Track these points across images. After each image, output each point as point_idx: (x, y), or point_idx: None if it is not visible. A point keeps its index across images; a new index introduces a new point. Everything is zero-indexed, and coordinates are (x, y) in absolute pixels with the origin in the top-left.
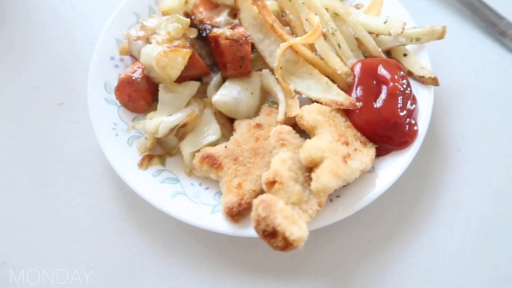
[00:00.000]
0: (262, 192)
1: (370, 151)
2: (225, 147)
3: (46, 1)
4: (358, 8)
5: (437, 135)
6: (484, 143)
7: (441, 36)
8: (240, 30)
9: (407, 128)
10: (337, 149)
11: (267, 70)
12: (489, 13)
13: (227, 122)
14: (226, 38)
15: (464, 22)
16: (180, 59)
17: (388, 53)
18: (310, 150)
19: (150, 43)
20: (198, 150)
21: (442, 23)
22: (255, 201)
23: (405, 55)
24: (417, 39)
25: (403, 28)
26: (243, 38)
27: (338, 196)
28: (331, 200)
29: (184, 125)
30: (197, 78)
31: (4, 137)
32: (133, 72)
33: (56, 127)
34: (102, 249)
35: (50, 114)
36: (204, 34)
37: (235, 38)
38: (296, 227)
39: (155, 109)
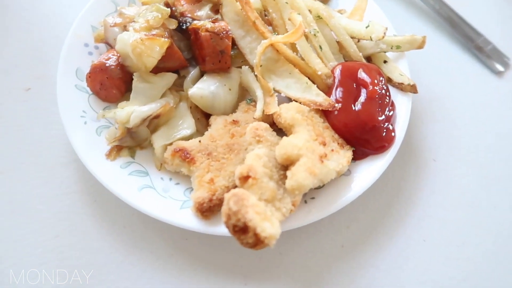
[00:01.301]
0: (235, 188)
1: (347, 153)
2: (199, 141)
3: None
4: (341, 14)
5: (413, 143)
6: (459, 153)
7: (421, 45)
8: (221, 23)
9: (384, 133)
10: (314, 148)
11: (247, 67)
12: (467, 29)
13: (203, 117)
14: (207, 30)
15: (443, 35)
16: (157, 48)
17: (368, 59)
18: (286, 146)
19: (128, 31)
20: (171, 144)
21: (421, 34)
22: (227, 195)
23: (385, 61)
24: (398, 47)
25: (384, 33)
26: (224, 32)
27: (312, 198)
28: (305, 202)
29: (157, 117)
30: (175, 71)
31: None
32: (107, 59)
33: (22, 113)
34: (60, 243)
35: (17, 99)
36: (184, 27)
37: (215, 31)
38: (268, 223)
39: (128, 99)
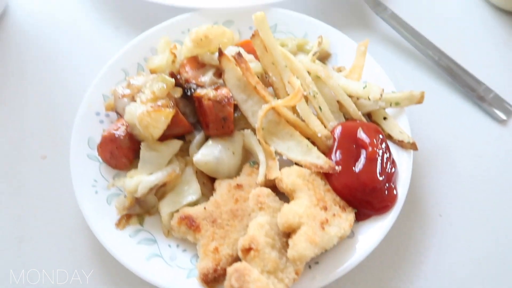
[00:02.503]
0: (239, 257)
1: (349, 216)
2: (204, 208)
3: (41, 53)
4: (340, 71)
5: (417, 198)
6: (465, 207)
7: (419, 100)
8: (223, 91)
9: (386, 193)
10: (314, 214)
11: (249, 130)
12: (467, 78)
13: (208, 181)
14: (209, 99)
15: (444, 86)
16: (163, 118)
17: (368, 115)
18: (287, 215)
19: (135, 101)
20: (177, 210)
21: (421, 86)
22: (229, 270)
23: (384, 118)
24: (397, 103)
25: (381, 95)
26: (226, 100)
27: (316, 263)
28: (309, 267)
29: (164, 185)
30: (180, 136)
31: None
32: (116, 130)
33: (39, 181)
34: None
35: (34, 167)
36: (189, 93)
37: (217, 100)
38: None
39: (136, 165)
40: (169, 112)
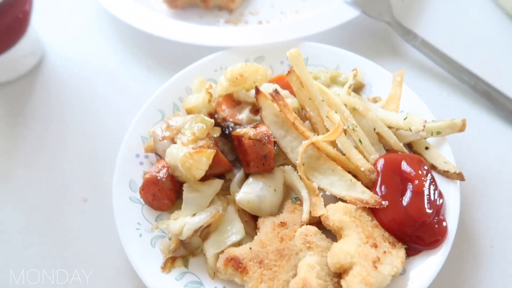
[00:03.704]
0: None
1: (400, 252)
2: (250, 248)
3: (79, 97)
4: (375, 102)
5: (467, 230)
6: None
7: (461, 129)
8: (262, 129)
9: (436, 226)
10: (366, 253)
11: (290, 166)
12: (506, 102)
13: (251, 219)
14: (250, 138)
15: (482, 111)
16: (204, 159)
17: (409, 145)
18: (338, 255)
19: (175, 143)
20: (222, 251)
21: (459, 112)
22: None
23: (427, 148)
24: (438, 133)
25: (424, 126)
26: (266, 138)
27: None
28: None
29: (208, 226)
30: (220, 175)
31: (30, 233)
32: (158, 172)
33: (81, 223)
34: None
35: (76, 210)
36: (227, 132)
37: (258, 138)
38: None
39: (178, 206)
40: (210, 152)
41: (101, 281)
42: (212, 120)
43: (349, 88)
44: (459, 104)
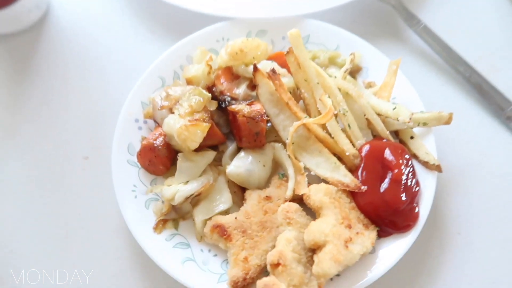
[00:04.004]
0: (266, 267)
1: (372, 234)
2: (235, 218)
3: (83, 53)
4: (370, 87)
5: (438, 217)
6: (486, 227)
7: (447, 121)
8: (257, 107)
9: (409, 213)
10: (340, 233)
11: (280, 144)
12: (497, 97)
13: (239, 190)
14: (243, 115)
15: (472, 103)
16: (199, 132)
17: (396, 133)
18: (314, 233)
19: (173, 113)
20: (210, 218)
21: (450, 102)
22: (259, 284)
23: (411, 137)
24: (424, 124)
25: (410, 118)
26: (259, 116)
27: (337, 275)
28: (331, 279)
29: (198, 194)
30: (214, 146)
31: (31, 188)
32: (155, 139)
33: (81, 181)
34: None
35: (77, 167)
36: (223, 105)
37: (251, 116)
38: None
39: (172, 172)
40: (206, 126)
41: (97, 236)
42: (209, 95)
43: (345, 72)
44: (452, 94)
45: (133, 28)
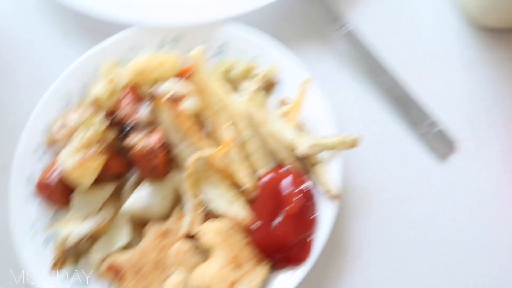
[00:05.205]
0: None
1: (262, 270)
2: (131, 256)
3: None
4: (284, 105)
5: (339, 241)
6: (383, 250)
7: (353, 145)
8: (154, 138)
9: (302, 245)
10: (225, 276)
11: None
12: (415, 110)
13: (140, 224)
14: (138, 151)
15: (391, 117)
16: (92, 168)
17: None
18: (197, 279)
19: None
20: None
21: (369, 116)
22: None
23: (315, 164)
24: (331, 148)
25: (305, 153)
26: (153, 153)
27: None
28: None
29: (94, 233)
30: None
31: None
32: (48, 177)
33: None
34: None
35: None
36: (124, 132)
37: (146, 151)
38: None
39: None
40: (98, 163)
41: None
42: (103, 127)
43: (253, 91)
44: (372, 106)
45: (42, 37)
